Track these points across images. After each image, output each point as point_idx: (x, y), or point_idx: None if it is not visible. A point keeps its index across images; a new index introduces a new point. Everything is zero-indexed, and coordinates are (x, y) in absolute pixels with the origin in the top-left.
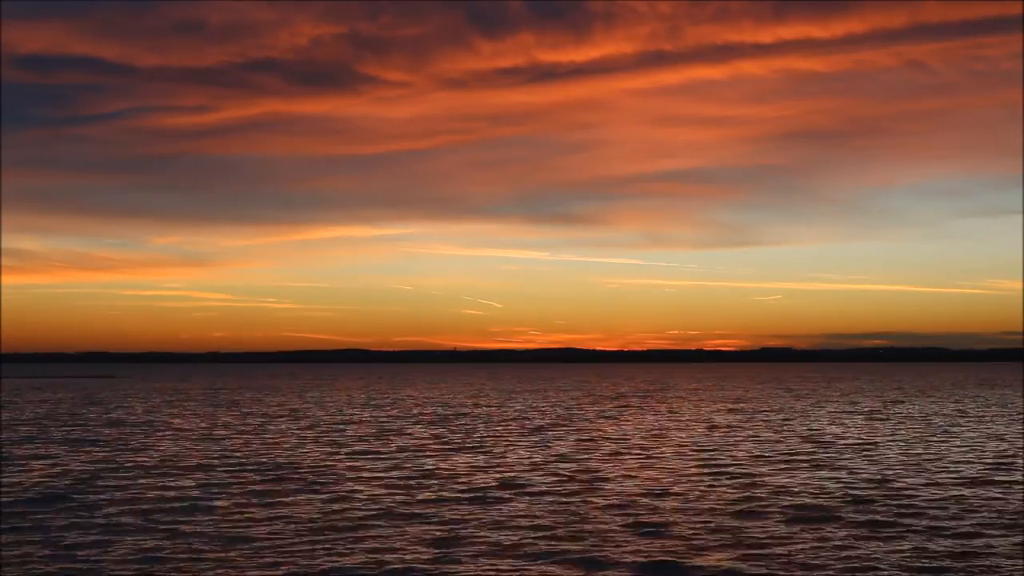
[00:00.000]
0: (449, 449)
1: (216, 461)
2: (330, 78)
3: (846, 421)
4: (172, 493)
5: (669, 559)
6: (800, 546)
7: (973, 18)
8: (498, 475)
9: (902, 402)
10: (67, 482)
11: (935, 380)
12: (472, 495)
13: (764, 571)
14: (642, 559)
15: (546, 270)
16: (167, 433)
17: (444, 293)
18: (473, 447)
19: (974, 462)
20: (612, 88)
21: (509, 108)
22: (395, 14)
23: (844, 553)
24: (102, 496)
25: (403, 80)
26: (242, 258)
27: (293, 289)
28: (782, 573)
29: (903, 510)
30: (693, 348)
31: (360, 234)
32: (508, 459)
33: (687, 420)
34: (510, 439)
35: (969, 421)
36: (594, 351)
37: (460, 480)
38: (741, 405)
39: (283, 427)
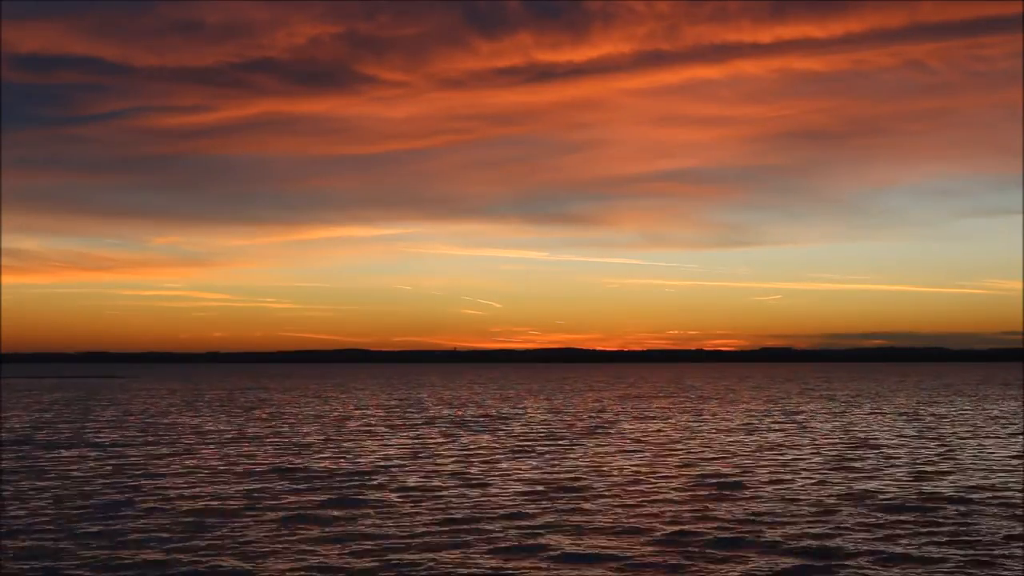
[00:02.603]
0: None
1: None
2: (328, 78)
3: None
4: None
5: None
6: None
7: (972, 18)
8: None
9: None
10: (120, 486)
11: (954, 379)
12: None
13: None
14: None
15: (546, 270)
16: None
17: (444, 293)
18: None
19: None
20: (610, 88)
21: (507, 108)
22: (393, 14)
23: None
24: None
25: (401, 80)
26: (241, 258)
27: (292, 289)
28: None
29: None
30: (693, 348)
31: (359, 234)
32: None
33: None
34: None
35: None
36: (594, 351)
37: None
38: (782, 404)
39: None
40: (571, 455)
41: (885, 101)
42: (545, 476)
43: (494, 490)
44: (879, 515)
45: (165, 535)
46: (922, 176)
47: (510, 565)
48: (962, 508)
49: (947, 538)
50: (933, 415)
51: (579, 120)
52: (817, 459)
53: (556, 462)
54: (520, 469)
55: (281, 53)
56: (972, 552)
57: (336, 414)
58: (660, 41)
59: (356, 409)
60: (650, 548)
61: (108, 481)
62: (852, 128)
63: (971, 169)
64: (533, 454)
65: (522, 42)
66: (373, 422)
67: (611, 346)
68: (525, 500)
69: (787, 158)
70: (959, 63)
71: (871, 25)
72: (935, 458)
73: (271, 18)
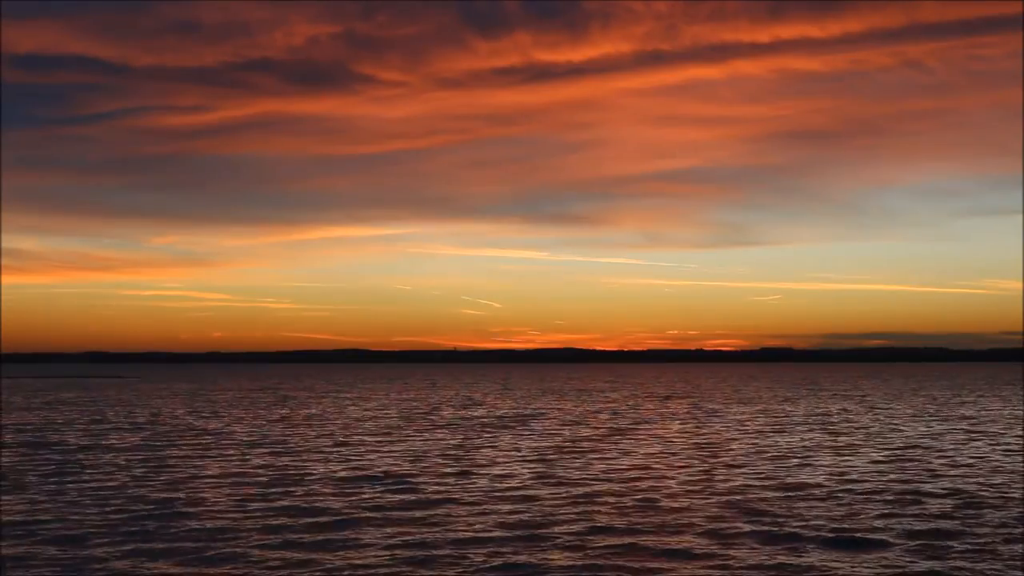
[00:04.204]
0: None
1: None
2: (326, 78)
3: None
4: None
5: None
6: None
7: (971, 17)
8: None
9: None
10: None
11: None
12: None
13: None
14: None
15: (545, 270)
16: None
17: (443, 293)
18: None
19: None
20: (609, 88)
21: (506, 108)
22: (391, 13)
23: None
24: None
25: (400, 80)
26: (241, 258)
27: (292, 289)
28: None
29: None
30: (693, 348)
31: (358, 234)
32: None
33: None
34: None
35: None
36: (594, 351)
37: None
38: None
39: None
40: (608, 457)
41: (884, 101)
42: (591, 478)
43: (543, 494)
44: (924, 514)
45: (208, 540)
46: (922, 176)
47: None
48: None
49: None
50: (964, 415)
51: (578, 120)
52: (858, 459)
53: (600, 464)
54: (564, 471)
55: (279, 53)
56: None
57: (352, 416)
58: (659, 41)
59: (380, 410)
60: (710, 550)
61: (147, 485)
62: (851, 128)
63: (971, 169)
64: (573, 456)
65: (520, 42)
66: (394, 424)
67: (611, 346)
68: (574, 503)
69: (786, 158)
70: (958, 63)
71: (870, 25)
72: (975, 458)
73: (269, 18)
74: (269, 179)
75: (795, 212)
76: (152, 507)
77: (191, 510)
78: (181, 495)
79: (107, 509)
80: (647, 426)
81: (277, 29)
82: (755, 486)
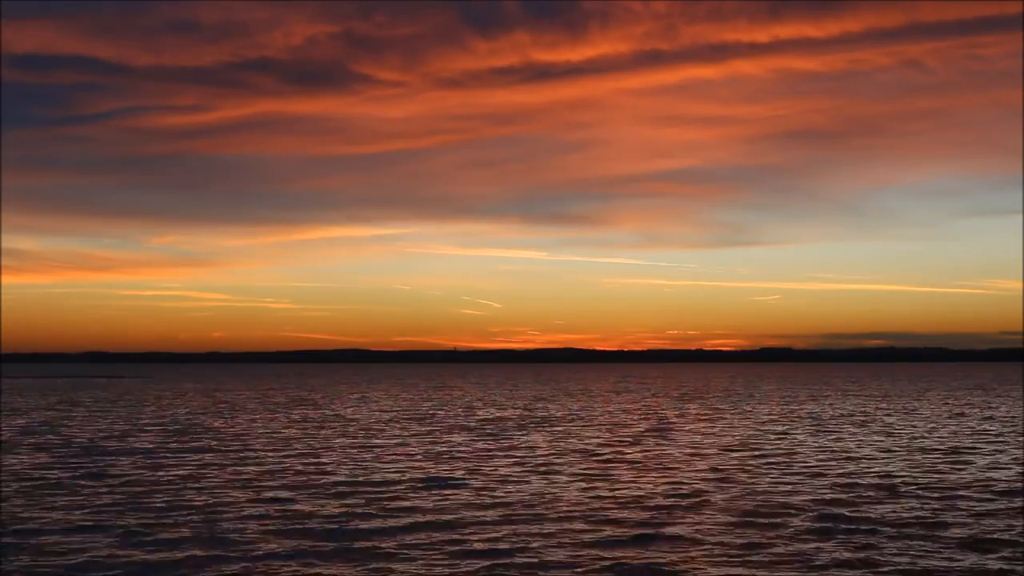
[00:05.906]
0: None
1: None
2: (325, 78)
3: None
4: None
5: None
6: None
7: (970, 17)
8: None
9: None
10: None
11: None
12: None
13: None
14: None
15: (545, 270)
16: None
17: (443, 293)
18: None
19: None
20: (608, 88)
21: (505, 108)
22: (389, 13)
23: None
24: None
25: (398, 80)
26: (240, 258)
27: (291, 289)
28: None
29: None
30: (693, 348)
31: (358, 234)
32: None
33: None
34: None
35: None
36: (594, 351)
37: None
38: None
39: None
40: (652, 457)
41: (883, 101)
42: (639, 479)
43: (588, 496)
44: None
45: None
46: (921, 176)
47: None
48: None
49: None
50: (986, 415)
51: (577, 120)
52: (895, 462)
53: (643, 464)
54: (606, 472)
55: (278, 53)
56: None
57: (372, 418)
58: (657, 41)
59: (397, 411)
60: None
61: (160, 486)
62: (850, 128)
63: (970, 169)
64: (612, 457)
65: (519, 42)
66: (415, 427)
67: (611, 346)
68: (625, 506)
69: (786, 158)
70: (957, 63)
71: (868, 25)
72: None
73: (268, 18)
74: (268, 179)
75: (795, 212)
76: (163, 510)
77: (209, 513)
78: (197, 498)
79: (118, 512)
80: (680, 425)
81: (276, 29)
82: (811, 484)
